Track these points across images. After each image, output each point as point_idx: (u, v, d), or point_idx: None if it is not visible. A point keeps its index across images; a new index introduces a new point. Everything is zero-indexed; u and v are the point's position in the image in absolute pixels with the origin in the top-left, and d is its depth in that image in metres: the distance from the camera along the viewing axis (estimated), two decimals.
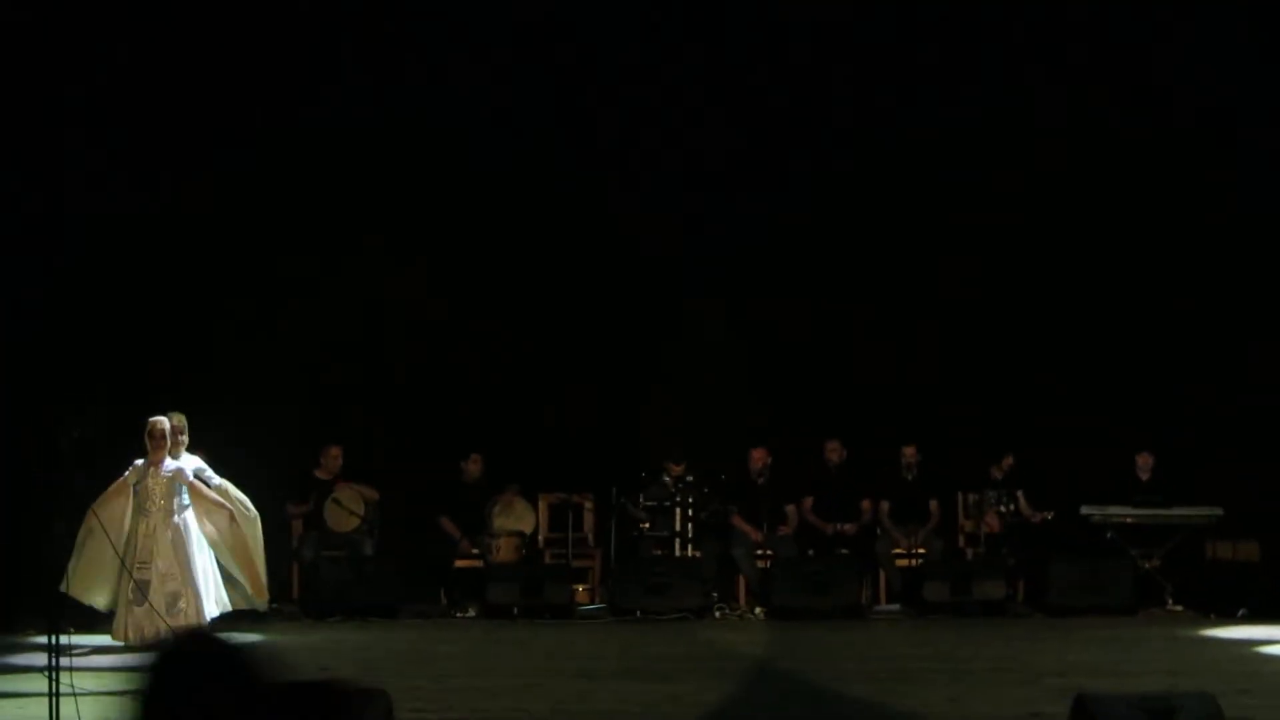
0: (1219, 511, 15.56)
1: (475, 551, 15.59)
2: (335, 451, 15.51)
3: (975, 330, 16.54)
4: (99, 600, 12.49)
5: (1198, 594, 15.21)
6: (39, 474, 11.70)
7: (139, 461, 12.65)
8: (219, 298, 15.97)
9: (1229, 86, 15.89)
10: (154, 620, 12.02)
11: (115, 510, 12.51)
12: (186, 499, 12.77)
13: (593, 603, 15.66)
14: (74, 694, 8.54)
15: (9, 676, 11.19)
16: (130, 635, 12.25)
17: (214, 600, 12.69)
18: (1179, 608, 15.23)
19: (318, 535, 15.39)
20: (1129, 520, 15.65)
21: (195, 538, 12.67)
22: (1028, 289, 16.65)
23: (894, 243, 16.70)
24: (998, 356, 16.49)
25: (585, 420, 16.39)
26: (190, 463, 13.00)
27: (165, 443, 12.66)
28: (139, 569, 12.26)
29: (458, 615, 15.10)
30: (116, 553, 12.20)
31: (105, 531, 12.01)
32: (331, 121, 16.07)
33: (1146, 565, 15.53)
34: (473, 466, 15.83)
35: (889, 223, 16.72)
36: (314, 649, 12.91)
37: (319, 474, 15.56)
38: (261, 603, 13.24)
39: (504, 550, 15.42)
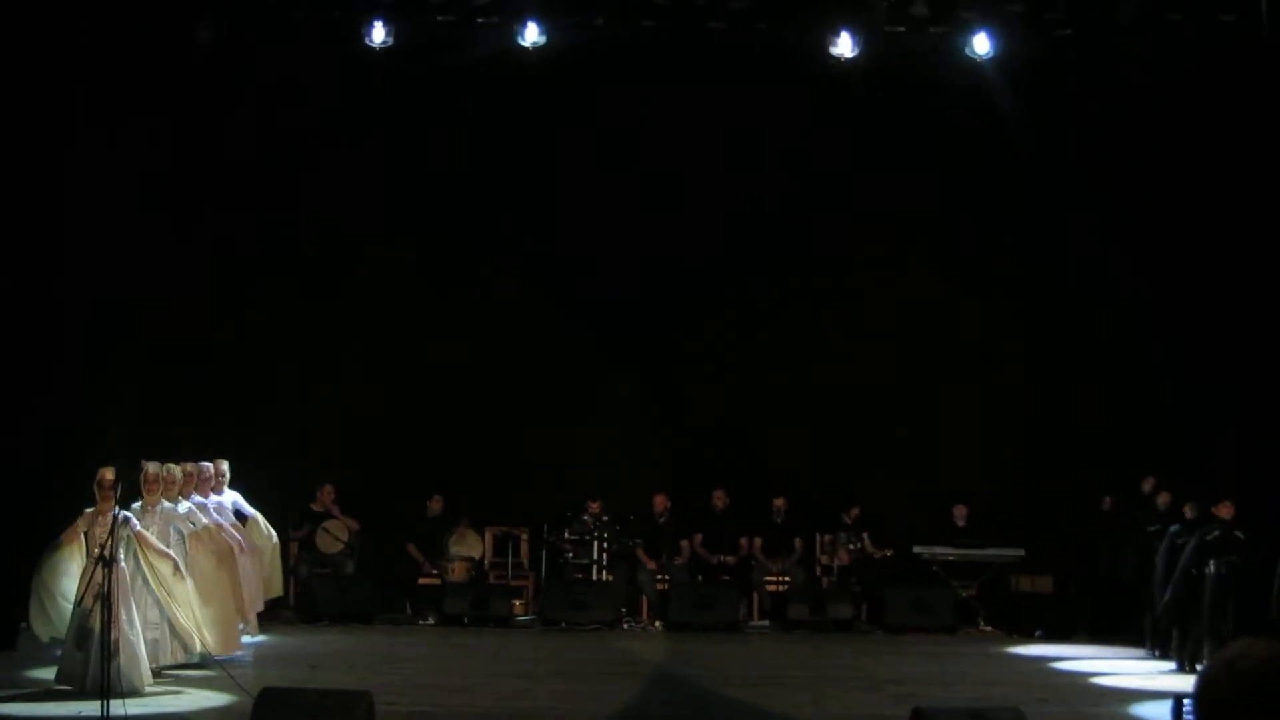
0: (1021, 552, 16.18)
1: (434, 572, 16.18)
2: (329, 489, 16.18)
3: (838, 410, 16.82)
4: (45, 633, 11.28)
5: (1004, 618, 15.85)
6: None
7: (89, 510, 10.90)
8: (266, 372, 16.38)
9: None
10: (94, 667, 10.27)
11: (64, 555, 11.12)
12: (165, 537, 11.61)
13: (527, 614, 16.18)
14: None
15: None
16: (72, 680, 10.59)
17: (154, 652, 11.25)
18: (989, 629, 15.89)
19: (311, 556, 16.12)
20: (951, 558, 16.26)
21: (140, 586, 11.13)
22: (880, 380, 16.89)
23: (776, 337, 17.13)
24: (850, 431, 16.79)
25: (525, 469, 16.63)
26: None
27: (111, 494, 10.80)
28: (87, 615, 10.35)
29: (420, 623, 15.70)
30: (61, 596, 10.96)
31: (53, 578, 11.11)
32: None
33: (964, 594, 16.12)
34: (435, 505, 16.45)
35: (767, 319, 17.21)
36: (306, 649, 13.59)
37: (314, 507, 16.23)
38: (203, 653, 11.74)
39: (457, 571, 16.03)
